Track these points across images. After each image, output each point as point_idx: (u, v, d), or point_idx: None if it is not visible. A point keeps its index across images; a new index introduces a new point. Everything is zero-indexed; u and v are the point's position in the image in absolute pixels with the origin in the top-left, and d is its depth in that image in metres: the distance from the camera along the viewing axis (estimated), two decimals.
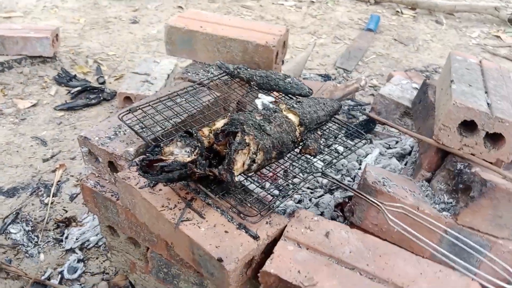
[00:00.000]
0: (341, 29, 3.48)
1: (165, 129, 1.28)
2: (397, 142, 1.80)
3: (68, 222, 1.68)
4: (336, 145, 1.60)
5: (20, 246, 1.59)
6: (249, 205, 1.06)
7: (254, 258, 0.99)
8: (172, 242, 1.08)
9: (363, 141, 1.51)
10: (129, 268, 1.46)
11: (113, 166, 1.26)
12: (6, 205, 1.75)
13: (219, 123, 1.14)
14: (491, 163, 1.17)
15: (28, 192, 1.82)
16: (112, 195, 1.27)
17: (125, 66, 2.77)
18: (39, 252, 1.57)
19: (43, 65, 2.59)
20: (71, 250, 1.58)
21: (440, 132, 1.19)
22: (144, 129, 1.26)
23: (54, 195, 1.81)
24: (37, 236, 1.63)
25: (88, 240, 1.61)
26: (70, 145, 2.10)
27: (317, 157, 1.32)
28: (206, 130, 1.12)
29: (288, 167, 1.29)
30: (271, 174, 1.47)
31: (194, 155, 1.04)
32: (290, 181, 1.24)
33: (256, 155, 1.07)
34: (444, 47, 3.21)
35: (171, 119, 1.32)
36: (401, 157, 1.70)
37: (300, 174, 1.23)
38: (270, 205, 1.07)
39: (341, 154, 1.39)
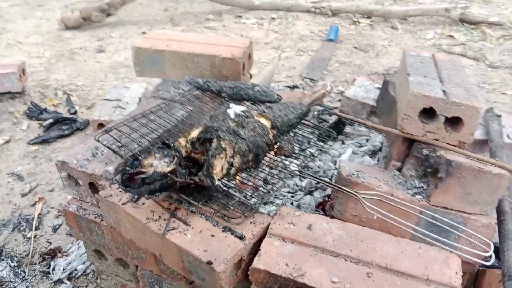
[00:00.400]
0: (303, 41, 3.60)
1: (142, 146, 1.30)
2: (367, 140, 1.88)
3: (53, 253, 1.66)
4: (310, 149, 1.66)
5: (7, 283, 1.56)
6: (232, 208, 1.10)
7: (242, 259, 1.02)
8: (161, 253, 1.09)
9: (334, 140, 1.58)
10: None
11: (94, 187, 1.27)
12: None
13: (194, 133, 1.17)
14: (454, 145, 1.25)
15: (10, 228, 1.79)
16: (95, 217, 1.27)
17: (95, 94, 2.78)
18: (27, 287, 1.55)
19: (12, 101, 2.57)
20: (60, 281, 1.56)
21: (403, 122, 1.26)
22: (121, 148, 1.28)
23: (37, 228, 1.79)
24: (24, 271, 1.60)
25: (75, 269, 1.60)
26: (48, 177, 2.08)
27: (293, 162, 1.37)
28: (182, 141, 1.15)
29: (266, 175, 1.32)
30: (251, 183, 1.51)
31: (173, 165, 1.07)
32: (270, 185, 1.28)
33: (234, 159, 1.11)
34: (401, 51, 3.37)
35: (147, 136, 1.34)
36: (372, 153, 1.78)
37: (280, 177, 1.28)
38: (253, 206, 1.11)
39: (313, 155, 1.45)
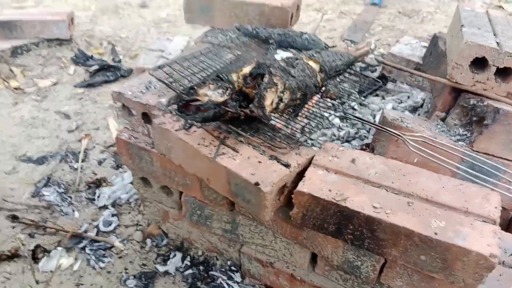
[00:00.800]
0: (346, 5, 3.55)
1: (193, 82, 1.35)
2: (408, 97, 1.87)
3: (98, 183, 1.77)
4: (350, 102, 1.68)
5: (54, 206, 1.68)
6: (278, 140, 1.15)
7: (286, 185, 1.07)
8: (208, 177, 1.16)
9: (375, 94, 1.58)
10: (162, 218, 1.54)
11: (146, 118, 1.34)
12: (37, 172, 1.84)
13: (246, 69, 1.21)
14: (503, 96, 1.24)
15: (57, 160, 1.90)
16: (146, 145, 1.35)
17: (138, 46, 2.85)
18: (73, 210, 1.66)
19: (60, 47, 2.68)
20: (104, 207, 1.67)
21: (453, 71, 1.27)
22: (173, 83, 1.34)
23: (83, 160, 1.90)
24: (70, 197, 1.72)
25: (119, 198, 1.70)
26: (93, 117, 2.18)
27: (334, 114, 1.39)
28: (234, 76, 1.20)
29: (306, 124, 1.36)
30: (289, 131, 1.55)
31: (226, 96, 1.12)
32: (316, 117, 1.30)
33: (283, 94, 1.15)
34: (448, 18, 3.27)
35: (197, 74, 1.40)
36: (413, 110, 1.78)
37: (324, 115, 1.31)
38: (298, 139, 1.15)
39: (353, 108, 1.47)
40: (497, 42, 1.25)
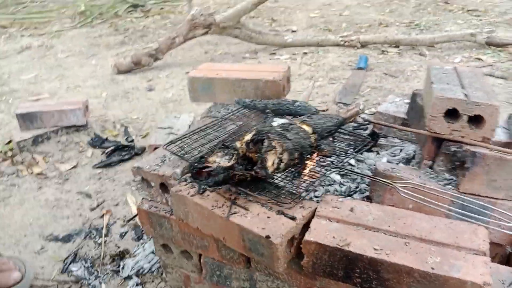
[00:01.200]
0: (334, 71, 3.84)
1: (202, 152, 1.53)
2: (401, 150, 2.03)
3: (122, 255, 1.88)
4: (348, 159, 1.84)
5: (82, 280, 1.78)
6: (283, 196, 1.29)
7: (295, 237, 1.20)
8: (224, 236, 1.28)
9: (370, 151, 1.75)
10: (184, 283, 1.64)
11: (164, 188, 1.50)
12: (64, 249, 1.96)
13: (248, 136, 1.39)
14: (478, 141, 1.40)
15: (82, 236, 2.03)
16: (165, 212, 1.49)
17: (148, 125, 3.09)
18: (100, 283, 1.76)
19: (77, 133, 2.91)
20: (129, 278, 1.77)
21: (430, 123, 1.43)
22: (185, 155, 1.52)
23: (105, 235, 2.02)
24: (97, 270, 1.83)
25: (142, 267, 1.80)
26: (112, 194, 2.34)
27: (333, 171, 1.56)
28: (238, 143, 1.37)
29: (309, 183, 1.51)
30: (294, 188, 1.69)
31: (233, 161, 1.29)
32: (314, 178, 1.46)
33: (282, 155, 1.31)
34: None
35: (205, 145, 1.57)
36: (407, 161, 1.92)
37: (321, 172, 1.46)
38: (301, 194, 1.29)
39: (351, 164, 1.62)
40: (465, 94, 1.43)
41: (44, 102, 3.15)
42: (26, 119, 2.84)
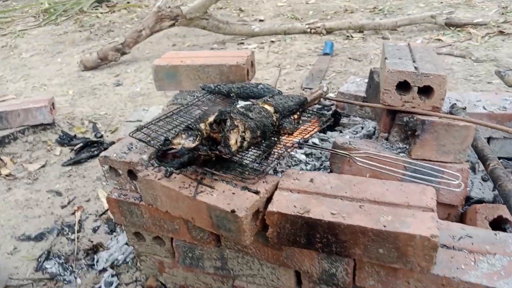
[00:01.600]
0: (301, 58, 3.91)
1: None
2: (362, 127, 2.11)
3: (95, 248, 1.89)
4: (312, 139, 1.91)
5: (57, 276, 1.79)
6: (247, 173, 1.34)
7: (259, 210, 1.25)
8: (193, 216, 1.33)
9: (333, 130, 1.83)
10: (158, 270, 1.67)
11: (132, 175, 1.52)
12: (37, 248, 1.96)
13: (211, 117, 1.43)
14: (428, 111, 1.48)
15: (54, 234, 2.03)
16: (135, 200, 1.52)
17: (117, 120, 3.08)
18: (75, 278, 1.78)
19: (44, 132, 2.88)
20: (104, 270, 1.79)
21: (384, 96, 1.51)
22: (151, 141, 1.54)
23: (78, 231, 2.03)
24: (71, 266, 1.84)
25: (116, 259, 1.83)
26: (83, 191, 2.34)
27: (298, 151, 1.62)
28: (202, 125, 1.41)
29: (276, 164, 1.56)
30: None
31: (197, 141, 1.33)
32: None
33: (245, 134, 1.35)
34: None
35: (171, 130, 1.61)
36: (368, 137, 2.00)
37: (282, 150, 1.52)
38: (263, 170, 1.35)
39: (315, 143, 1.69)
40: (415, 67, 1.51)
41: (9, 102, 3.10)
42: None
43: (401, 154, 1.44)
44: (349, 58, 3.75)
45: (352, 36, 4.35)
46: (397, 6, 5.29)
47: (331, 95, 2.74)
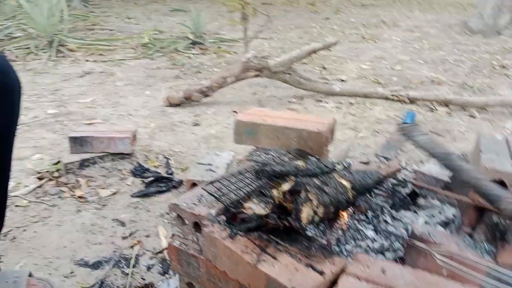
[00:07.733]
0: (379, 124, 3.82)
1: (239, 196, 1.55)
2: (440, 212, 1.96)
3: (146, 287, 1.89)
4: (383, 216, 1.80)
5: None
6: (314, 250, 1.27)
7: None
8: (250, 283, 1.28)
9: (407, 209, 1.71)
10: None
11: (197, 227, 1.52)
12: (92, 276, 2.00)
13: (285, 186, 1.40)
14: None
15: (111, 265, 2.08)
16: (195, 252, 1.51)
17: (189, 160, 3.17)
18: None
19: (121, 161, 3.03)
20: None
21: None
22: (222, 196, 1.54)
23: (133, 266, 2.05)
24: None
25: None
26: (145, 225, 2.39)
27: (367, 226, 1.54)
28: (275, 191, 1.39)
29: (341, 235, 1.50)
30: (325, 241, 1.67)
31: (268, 209, 1.30)
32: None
33: (318, 209, 1.31)
34: None
35: (242, 188, 1.60)
36: (445, 224, 1.85)
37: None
38: (331, 247, 1.27)
39: (386, 221, 1.59)
40: None
41: (96, 127, 3.33)
42: (77, 142, 3.00)
43: (486, 257, 1.29)
44: (431, 131, 3.59)
45: (436, 109, 4.19)
46: (488, 84, 5.05)
47: (407, 170, 2.61)
